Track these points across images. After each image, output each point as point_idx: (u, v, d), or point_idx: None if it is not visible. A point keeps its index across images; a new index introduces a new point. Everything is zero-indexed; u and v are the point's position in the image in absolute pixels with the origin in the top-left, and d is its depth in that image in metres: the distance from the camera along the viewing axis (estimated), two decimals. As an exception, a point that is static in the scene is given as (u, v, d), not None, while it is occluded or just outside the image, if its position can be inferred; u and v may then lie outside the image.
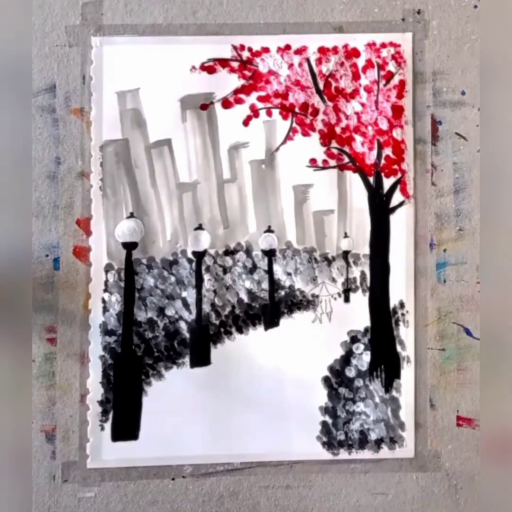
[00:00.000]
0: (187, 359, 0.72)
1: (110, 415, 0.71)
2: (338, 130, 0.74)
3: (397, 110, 0.74)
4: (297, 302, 0.74)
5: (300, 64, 0.73)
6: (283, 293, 0.74)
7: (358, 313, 0.74)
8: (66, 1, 0.72)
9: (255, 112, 0.73)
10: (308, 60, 0.73)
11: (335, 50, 0.73)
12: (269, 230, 0.73)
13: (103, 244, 0.71)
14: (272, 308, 0.73)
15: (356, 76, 0.74)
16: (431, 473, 0.74)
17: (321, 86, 0.74)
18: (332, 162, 0.74)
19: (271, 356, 0.73)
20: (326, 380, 0.73)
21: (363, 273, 0.74)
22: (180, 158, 0.72)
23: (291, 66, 0.73)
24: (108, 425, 0.71)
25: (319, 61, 0.73)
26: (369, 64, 0.74)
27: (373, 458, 0.73)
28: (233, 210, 0.73)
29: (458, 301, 0.74)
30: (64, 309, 0.71)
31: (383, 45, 0.73)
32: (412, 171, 0.74)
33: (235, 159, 0.73)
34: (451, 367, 0.74)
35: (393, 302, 0.74)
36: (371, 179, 0.74)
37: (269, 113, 0.73)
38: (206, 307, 0.73)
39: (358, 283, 0.74)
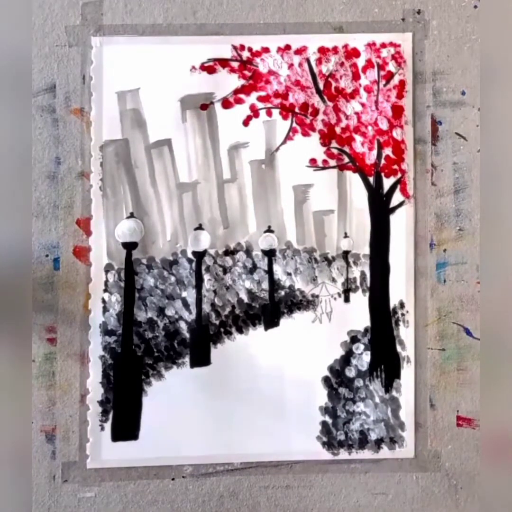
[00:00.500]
0: (187, 359, 0.72)
1: (110, 415, 0.71)
2: (338, 130, 0.74)
3: (397, 110, 0.74)
4: (297, 302, 0.74)
5: (300, 64, 0.73)
6: (283, 293, 0.74)
7: (358, 313, 0.74)
8: (66, 1, 0.72)
9: (255, 112, 0.73)
10: (308, 60, 0.73)
11: (335, 50, 0.73)
12: (269, 230, 0.73)
13: (103, 244, 0.71)
14: (272, 308, 0.73)
15: (356, 76, 0.74)
16: (431, 473, 0.74)
17: (321, 86, 0.74)
18: (332, 162, 0.74)
19: (271, 356, 0.73)
20: (326, 380, 0.73)
21: (363, 273, 0.74)
22: (180, 158, 0.72)
23: (291, 66, 0.73)
24: (108, 425, 0.71)
25: (319, 61, 0.73)
26: (369, 64, 0.74)
27: (373, 458, 0.73)
28: (233, 210, 0.73)
29: (458, 301, 0.74)
30: (64, 309, 0.71)
31: (383, 45, 0.73)
32: (412, 171, 0.74)
33: (235, 159, 0.73)
34: (451, 367, 0.74)
35: (393, 302, 0.74)
36: (371, 179, 0.74)
37: (269, 113, 0.73)
38: (206, 307, 0.73)
39: (358, 283, 0.74)
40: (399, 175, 0.74)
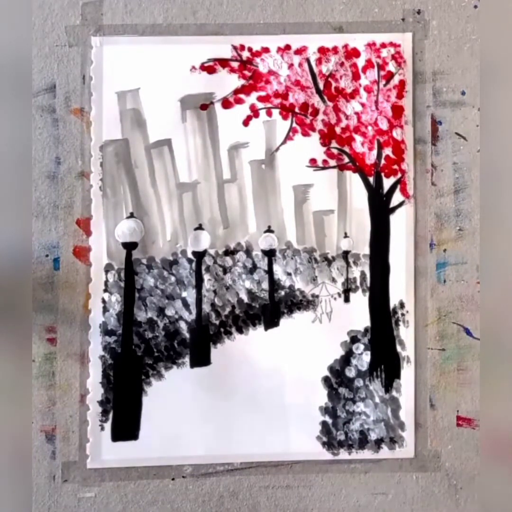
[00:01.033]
0: (187, 359, 0.72)
1: (110, 415, 0.71)
2: (338, 130, 0.74)
3: (397, 110, 0.74)
4: (297, 302, 0.74)
5: (300, 64, 0.73)
6: (283, 293, 0.74)
7: (358, 313, 0.74)
8: (66, 1, 0.72)
9: (255, 112, 0.73)
10: (308, 60, 0.73)
11: (335, 50, 0.73)
12: (269, 230, 0.73)
13: (103, 244, 0.71)
14: (272, 308, 0.73)
15: (356, 76, 0.74)
16: (431, 473, 0.74)
17: (321, 86, 0.74)
18: (332, 162, 0.74)
19: (271, 356, 0.73)
20: (326, 380, 0.73)
21: (363, 273, 0.74)
22: (180, 158, 0.72)
23: (291, 66, 0.73)
24: (108, 425, 0.71)
25: (319, 61, 0.73)
26: (369, 64, 0.74)
27: (373, 458, 0.73)
28: (233, 210, 0.73)
29: (458, 301, 0.74)
30: (64, 309, 0.71)
31: (383, 45, 0.73)
32: (412, 171, 0.74)
33: (235, 159, 0.73)
34: (451, 367, 0.74)
35: (393, 302, 0.74)
36: (371, 179, 0.74)
37: (269, 113, 0.73)
38: (206, 307, 0.73)
39: (358, 283, 0.74)
40: (399, 175, 0.74)
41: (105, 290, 0.71)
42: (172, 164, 0.72)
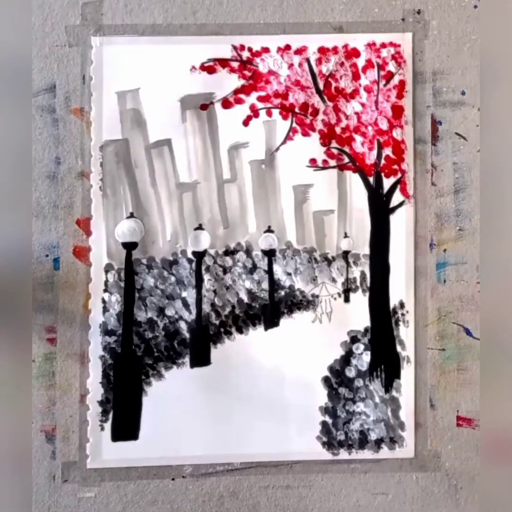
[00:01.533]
0: (187, 359, 0.72)
1: (110, 415, 0.71)
2: (338, 130, 0.74)
3: (397, 110, 0.74)
4: (297, 302, 0.74)
5: (300, 64, 0.73)
6: (283, 293, 0.74)
7: (358, 313, 0.74)
8: (66, 1, 0.72)
9: (255, 112, 0.73)
10: (308, 60, 0.73)
11: (335, 50, 0.73)
12: (269, 230, 0.73)
13: (103, 244, 0.71)
14: (272, 308, 0.73)
15: (356, 76, 0.74)
16: (431, 473, 0.74)
17: (321, 86, 0.74)
18: (332, 162, 0.74)
19: (271, 356, 0.73)
20: (326, 380, 0.73)
21: (363, 273, 0.74)
22: (180, 158, 0.72)
23: (291, 66, 0.73)
24: (108, 425, 0.71)
25: (319, 61, 0.73)
26: (369, 64, 0.74)
27: (373, 458, 0.73)
28: (233, 210, 0.73)
29: (458, 301, 0.74)
30: (64, 309, 0.71)
31: (383, 45, 0.73)
32: (412, 171, 0.74)
33: (235, 159, 0.73)
34: (451, 367, 0.74)
35: (393, 302, 0.74)
36: (371, 179, 0.74)
37: (269, 113, 0.73)
38: (206, 307, 0.73)
39: (358, 283, 0.74)
40: (399, 175, 0.74)
41: (105, 290, 0.71)
42: (172, 164, 0.72)
